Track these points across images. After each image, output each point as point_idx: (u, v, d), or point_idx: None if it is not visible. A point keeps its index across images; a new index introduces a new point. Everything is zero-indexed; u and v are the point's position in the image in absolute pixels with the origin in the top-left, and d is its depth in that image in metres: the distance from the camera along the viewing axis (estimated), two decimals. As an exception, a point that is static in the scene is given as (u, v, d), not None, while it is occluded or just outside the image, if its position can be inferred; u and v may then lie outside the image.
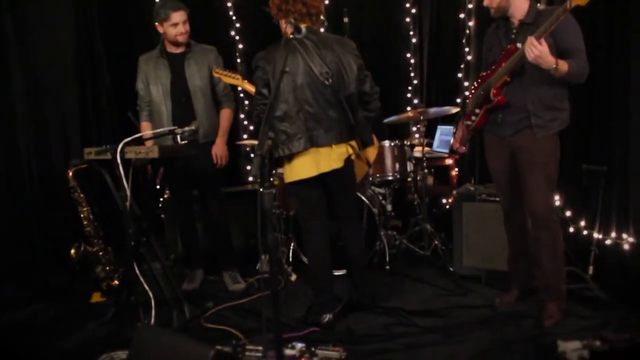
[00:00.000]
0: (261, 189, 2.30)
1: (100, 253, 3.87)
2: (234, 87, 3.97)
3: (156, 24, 3.67)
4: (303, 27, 2.74)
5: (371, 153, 3.39)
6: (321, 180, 3.17)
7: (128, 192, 3.11)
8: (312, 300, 3.36)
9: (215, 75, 3.61)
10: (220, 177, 3.90)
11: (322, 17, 3.17)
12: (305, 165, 3.09)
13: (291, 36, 2.66)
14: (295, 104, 3.04)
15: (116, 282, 3.91)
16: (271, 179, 4.26)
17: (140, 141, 3.28)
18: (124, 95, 4.40)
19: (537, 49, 2.69)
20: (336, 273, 4.02)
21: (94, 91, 4.63)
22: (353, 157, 3.23)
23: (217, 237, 4.00)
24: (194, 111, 3.74)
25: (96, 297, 3.82)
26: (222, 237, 3.99)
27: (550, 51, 2.74)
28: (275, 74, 3.01)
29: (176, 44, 3.70)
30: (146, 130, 3.79)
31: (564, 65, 2.76)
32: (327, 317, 3.20)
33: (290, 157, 3.12)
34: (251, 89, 3.40)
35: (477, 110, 3.19)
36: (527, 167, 3.01)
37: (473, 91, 3.28)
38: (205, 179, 3.86)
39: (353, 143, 3.20)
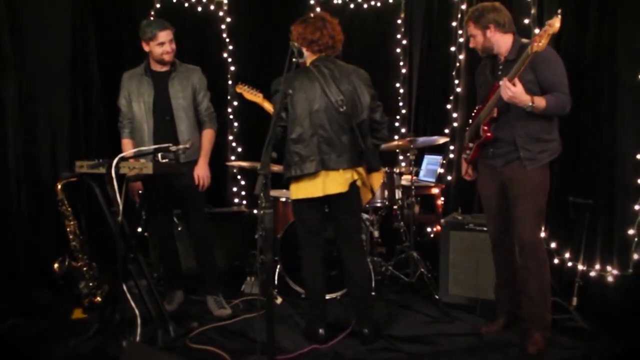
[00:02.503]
0: (262, 210, 2.33)
1: (85, 268, 3.82)
2: (218, 108, 4.00)
3: (142, 42, 3.70)
4: (305, 50, 2.81)
5: (377, 180, 3.49)
6: (324, 201, 3.31)
7: (120, 208, 3.10)
8: (309, 314, 3.48)
9: (238, 90, 3.64)
10: (203, 197, 3.88)
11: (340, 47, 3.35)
12: (313, 186, 3.21)
13: (294, 60, 2.73)
14: (310, 127, 3.18)
15: (99, 298, 3.85)
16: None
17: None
18: (115, 109, 4.40)
19: (510, 90, 2.84)
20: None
21: (85, 104, 4.62)
22: (359, 183, 3.32)
23: (201, 258, 3.97)
24: (176, 130, 3.74)
25: (77, 314, 3.76)
26: (206, 259, 3.95)
27: (532, 87, 2.87)
28: (293, 99, 3.16)
29: (162, 62, 3.72)
30: (127, 147, 3.79)
31: (540, 102, 2.90)
32: (321, 330, 3.32)
33: (299, 177, 3.23)
34: (271, 108, 3.47)
35: (470, 145, 3.34)
36: (517, 197, 3.11)
37: (470, 123, 3.41)
38: (188, 199, 3.83)
39: (360, 169, 3.31)
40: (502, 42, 3.14)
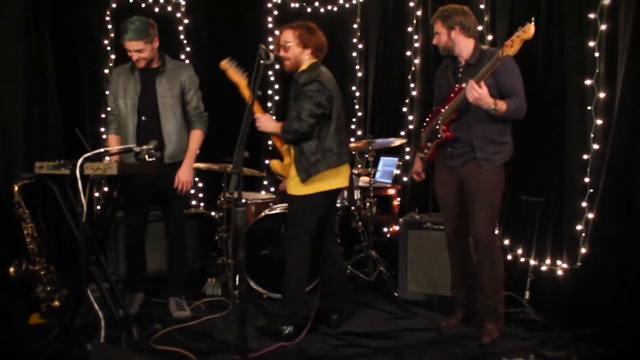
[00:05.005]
0: (235, 208, 2.37)
1: (42, 272, 3.74)
2: (208, 108, 3.95)
3: None
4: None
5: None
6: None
7: (84, 209, 3.07)
8: (279, 311, 3.55)
9: (223, 67, 3.49)
10: (186, 199, 3.85)
11: None
12: (340, 177, 3.42)
13: (262, 62, 2.78)
14: (340, 120, 3.39)
15: (57, 303, 3.78)
16: (221, 201, 4.37)
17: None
18: (71, 109, 4.35)
19: (477, 92, 2.98)
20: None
21: (41, 104, 4.52)
22: None
23: (174, 260, 3.93)
24: (160, 129, 3.70)
25: (35, 319, 3.68)
26: (179, 261, 3.93)
27: (492, 91, 3.03)
28: (331, 96, 3.34)
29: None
30: (113, 143, 3.76)
31: (502, 105, 3.06)
32: (288, 329, 3.39)
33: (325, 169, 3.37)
34: (247, 95, 3.41)
35: (429, 144, 3.47)
36: (474, 195, 3.27)
37: (426, 125, 3.54)
38: (169, 200, 3.80)
39: None
40: (464, 45, 3.29)
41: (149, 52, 3.66)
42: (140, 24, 3.61)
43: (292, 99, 3.44)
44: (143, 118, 3.72)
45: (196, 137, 3.82)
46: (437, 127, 3.34)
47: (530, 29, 2.77)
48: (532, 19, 2.79)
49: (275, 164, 3.53)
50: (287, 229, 3.57)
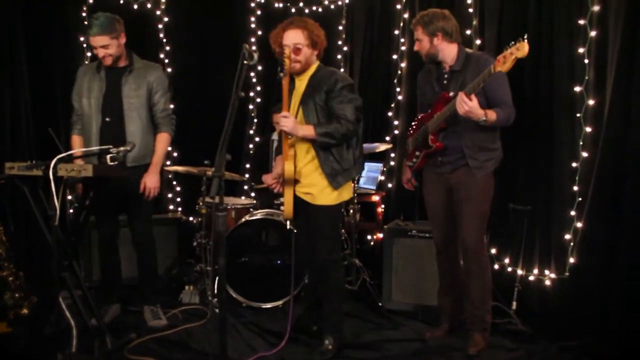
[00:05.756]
0: (216, 212, 2.35)
1: (11, 278, 3.67)
2: (176, 110, 3.92)
3: None
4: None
5: None
6: None
7: (57, 212, 3.02)
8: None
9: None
10: (151, 203, 3.79)
11: None
12: (351, 185, 3.44)
13: (245, 62, 2.76)
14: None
15: (25, 310, 3.71)
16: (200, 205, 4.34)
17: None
18: (44, 108, 4.29)
19: (467, 105, 2.99)
20: (265, 306, 4.11)
21: (12, 101, 4.46)
22: None
23: (143, 267, 3.89)
24: (124, 131, 3.65)
25: (2, 327, 3.60)
26: (148, 268, 3.89)
27: (479, 99, 3.04)
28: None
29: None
30: (77, 144, 3.71)
31: (492, 115, 3.08)
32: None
33: None
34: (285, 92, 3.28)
35: (417, 153, 3.47)
36: (463, 202, 3.28)
37: (412, 131, 3.55)
38: (134, 205, 3.76)
39: None
40: (448, 51, 3.30)
41: (115, 49, 3.61)
42: (105, 19, 3.57)
43: (316, 103, 3.22)
44: (107, 119, 3.67)
45: (163, 140, 3.78)
46: (425, 136, 3.35)
47: (524, 48, 2.73)
48: (525, 36, 2.75)
49: (290, 170, 3.26)
50: (321, 243, 3.31)
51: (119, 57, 3.68)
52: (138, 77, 3.71)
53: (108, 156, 3.29)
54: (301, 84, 3.32)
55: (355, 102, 3.23)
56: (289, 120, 3.15)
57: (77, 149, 3.66)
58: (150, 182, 3.67)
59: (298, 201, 3.31)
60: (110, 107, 3.68)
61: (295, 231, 3.52)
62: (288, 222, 3.59)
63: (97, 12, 3.64)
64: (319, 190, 3.26)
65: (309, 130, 3.17)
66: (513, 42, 2.76)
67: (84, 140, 3.73)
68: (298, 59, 3.22)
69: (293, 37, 3.21)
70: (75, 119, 3.79)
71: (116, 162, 3.27)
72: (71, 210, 4.26)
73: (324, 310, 3.39)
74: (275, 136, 4.74)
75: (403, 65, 4.94)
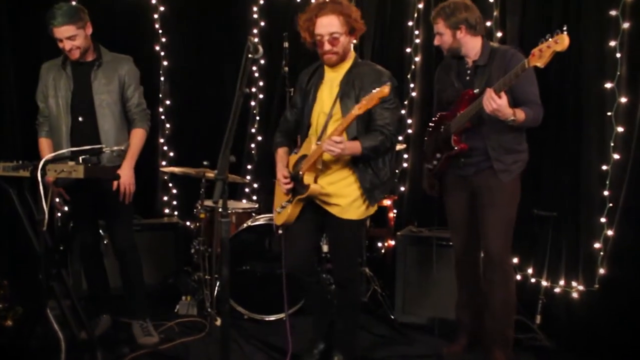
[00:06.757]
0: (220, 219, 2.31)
1: (-6, 288, 3.65)
2: (152, 107, 3.89)
3: None
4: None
5: None
6: None
7: (46, 217, 2.98)
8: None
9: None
10: (131, 206, 3.72)
11: None
12: None
13: (250, 56, 2.70)
14: None
15: (10, 322, 3.68)
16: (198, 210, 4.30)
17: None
18: (32, 105, 4.23)
19: (496, 103, 2.91)
20: (269, 318, 4.06)
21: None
22: None
23: (127, 277, 3.81)
24: (98, 130, 3.58)
25: (-16, 340, 3.58)
26: (132, 278, 3.80)
27: (508, 100, 2.97)
28: None
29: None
30: (45, 148, 3.65)
31: (521, 115, 3.01)
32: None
33: None
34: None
35: (438, 155, 3.39)
36: (488, 206, 3.22)
37: (431, 131, 3.47)
38: (111, 208, 3.68)
39: None
40: (472, 45, 3.23)
41: (82, 40, 3.52)
42: (69, 8, 3.50)
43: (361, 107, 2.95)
44: (80, 118, 3.61)
45: (138, 136, 3.70)
46: (448, 137, 3.28)
47: (564, 41, 2.64)
48: (565, 27, 2.65)
49: (318, 189, 3.07)
50: (341, 258, 3.25)
51: (87, 50, 3.59)
52: (108, 71, 3.63)
53: (105, 156, 3.27)
54: (336, 75, 3.13)
55: (398, 112, 3.15)
56: (345, 144, 2.90)
57: (47, 152, 3.56)
58: (124, 177, 3.56)
59: (312, 207, 3.18)
60: (80, 105, 3.60)
61: (287, 235, 3.32)
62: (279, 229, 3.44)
63: (59, 3, 3.55)
64: (348, 203, 3.09)
65: (356, 149, 2.96)
66: (550, 35, 2.68)
67: (53, 143, 3.66)
68: (335, 50, 3.03)
69: (329, 25, 2.99)
70: (41, 120, 3.71)
71: (88, 164, 3.18)
72: (59, 214, 4.24)
73: (337, 327, 3.32)
74: None
75: (417, 59, 4.88)
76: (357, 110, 2.81)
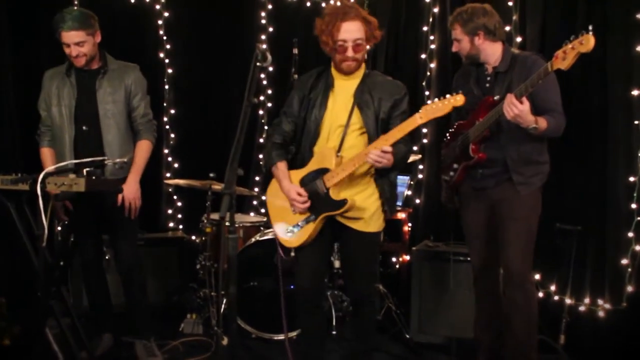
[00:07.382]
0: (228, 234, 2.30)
1: (-9, 305, 3.66)
2: (157, 116, 3.89)
3: None
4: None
5: None
6: None
7: (45, 232, 2.98)
8: None
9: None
10: (135, 221, 3.69)
11: None
12: None
13: (258, 64, 2.68)
14: None
15: (7, 341, 3.68)
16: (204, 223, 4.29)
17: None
18: (32, 116, 4.25)
19: (517, 109, 2.88)
20: (277, 337, 4.03)
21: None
22: None
23: (130, 295, 3.81)
24: (101, 141, 3.59)
25: (-20, 361, 3.59)
26: (136, 296, 3.80)
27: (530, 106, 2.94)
28: None
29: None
30: (48, 158, 3.66)
31: (543, 123, 2.98)
32: None
33: None
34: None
35: (455, 165, 3.36)
36: (508, 220, 3.18)
37: (448, 141, 3.45)
38: (115, 223, 3.68)
39: None
40: (491, 51, 3.21)
41: (90, 47, 3.54)
42: (80, 13, 3.52)
43: (378, 113, 3.01)
44: (84, 128, 3.61)
45: (143, 148, 3.70)
46: (466, 146, 3.25)
47: (589, 42, 2.61)
48: (590, 27, 2.63)
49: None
50: (361, 275, 3.18)
51: (93, 58, 3.61)
52: (113, 80, 3.63)
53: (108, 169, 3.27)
54: (348, 84, 3.08)
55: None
56: (391, 155, 2.88)
57: (50, 163, 3.59)
58: (129, 191, 3.57)
59: (327, 223, 3.09)
60: (84, 115, 3.61)
61: (299, 255, 3.23)
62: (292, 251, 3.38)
63: (70, 7, 3.58)
64: (370, 215, 3.05)
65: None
66: (574, 36, 2.65)
67: (55, 153, 3.67)
68: (357, 57, 3.00)
69: (355, 31, 2.96)
70: (43, 129, 3.72)
71: (93, 177, 3.18)
72: (59, 228, 4.24)
73: (352, 348, 3.32)
74: None
75: (432, 65, 4.88)
76: (419, 119, 2.90)
